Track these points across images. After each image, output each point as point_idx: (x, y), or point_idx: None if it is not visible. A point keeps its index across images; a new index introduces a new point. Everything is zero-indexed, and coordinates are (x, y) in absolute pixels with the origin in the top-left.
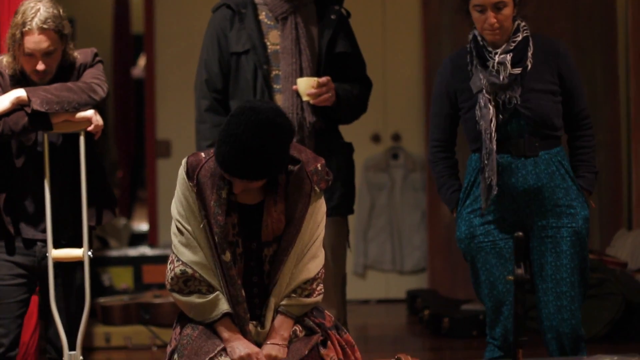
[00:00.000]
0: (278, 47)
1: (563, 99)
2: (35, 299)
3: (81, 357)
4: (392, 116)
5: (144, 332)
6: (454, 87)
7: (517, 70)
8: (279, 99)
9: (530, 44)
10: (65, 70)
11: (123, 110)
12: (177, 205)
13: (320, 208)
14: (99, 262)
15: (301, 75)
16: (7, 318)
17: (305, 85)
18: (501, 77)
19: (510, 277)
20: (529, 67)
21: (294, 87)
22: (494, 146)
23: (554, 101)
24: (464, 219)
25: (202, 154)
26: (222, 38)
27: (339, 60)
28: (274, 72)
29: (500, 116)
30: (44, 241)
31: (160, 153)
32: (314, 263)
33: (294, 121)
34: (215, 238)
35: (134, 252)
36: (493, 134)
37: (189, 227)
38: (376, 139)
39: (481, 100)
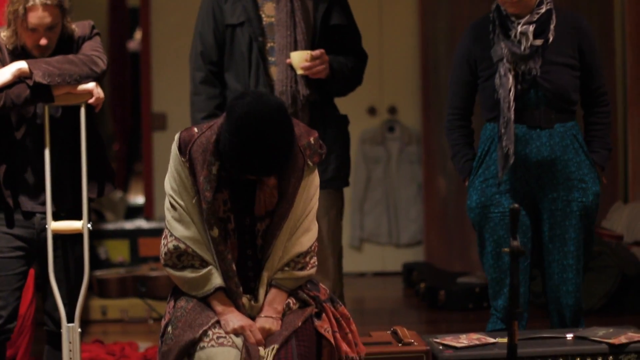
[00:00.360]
0: (273, 19)
1: (581, 74)
2: (31, 272)
3: (79, 329)
4: (388, 89)
5: (140, 305)
6: (474, 55)
7: (539, 42)
8: (274, 72)
9: (554, 17)
10: (64, 43)
11: (119, 84)
12: (170, 180)
13: (313, 181)
14: (95, 235)
15: (296, 48)
16: (6, 290)
17: (299, 58)
18: (522, 48)
19: (506, 249)
20: (551, 39)
21: (288, 60)
22: (512, 115)
23: (572, 75)
24: (475, 189)
25: (195, 129)
26: (217, 10)
27: (334, 32)
28: (268, 45)
29: (519, 86)
30: (43, 213)
31: (156, 126)
32: (307, 236)
33: (288, 94)
34: (203, 214)
35: (130, 225)
36: (511, 103)
37: (181, 203)
38: (372, 111)
39: (501, 69)
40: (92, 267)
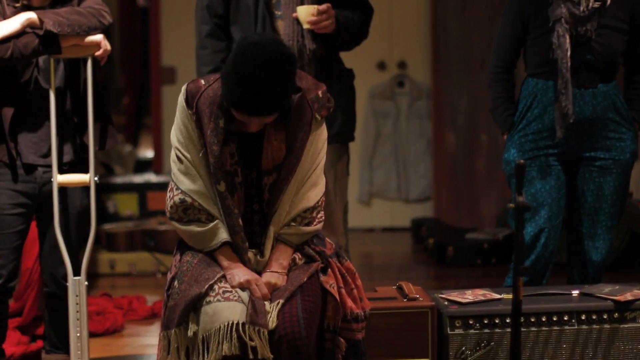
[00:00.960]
0: None
1: (629, 38)
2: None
3: (86, 282)
4: (397, 44)
5: (148, 258)
6: (528, 11)
7: (597, 4)
8: (280, 25)
9: None
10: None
11: (129, 38)
12: (177, 132)
13: (321, 136)
14: (104, 189)
15: (302, 2)
16: (6, 249)
17: (305, 12)
18: (582, 9)
19: (512, 205)
20: (608, 3)
21: (294, 14)
22: (570, 76)
23: (622, 40)
24: (515, 142)
25: (202, 81)
26: None
27: None
28: None
29: (571, 47)
30: (45, 166)
31: (165, 80)
32: (314, 191)
33: (295, 48)
34: (210, 168)
35: (138, 178)
36: (569, 64)
37: (188, 155)
38: (382, 66)
39: (559, 29)
40: (101, 220)
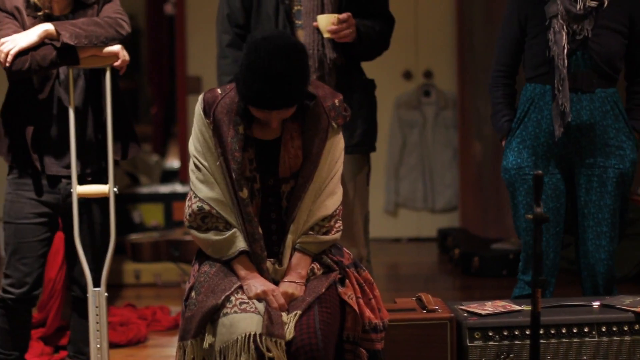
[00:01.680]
0: None
1: (629, 43)
2: (61, 235)
3: (106, 294)
4: (423, 53)
5: (173, 269)
6: (525, 11)
7: (594, 4)
8: (301, 35)
9: None
10: (84, 4)
11: (156, 47)
12: (194, 141)
13: (338, 144)
14: (130, 199)
15: (322, 11)
16: (30, 257)
17: (326, 21)
18: (578, 7)
19: (530, 216)
20: (605, 4)
21: (315, 23)
22: (566, 72)
23: (621, 43)
24: (512, 149)
25: (218, 90)
26: None
27: None
28: (295, 8)
29: (568, 46)
30: (68, 177)
31: (191, 89)
32: (332, 200)
33: (315, 57)
34: (233, 175)
35: (164, 188)
36: (565, 61)
37: (205, 163)
38: (408, 76)
39: (555, 26)
40: (126, 231)
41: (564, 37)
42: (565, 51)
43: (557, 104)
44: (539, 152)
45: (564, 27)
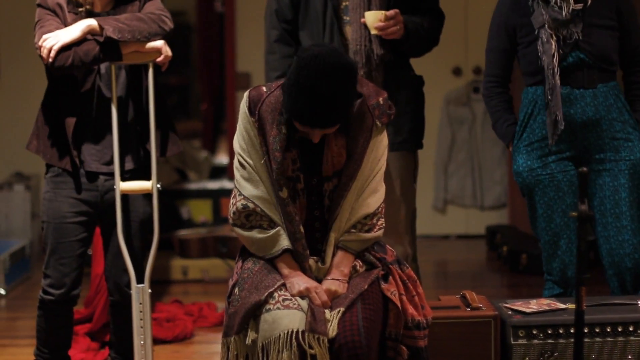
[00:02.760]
0: None
1: (620, 35)
2: None
3: (149, 290)
4: (473, 49)
5: (220, 265)
6: (513, 22)
7: (579, 6)
8: (348, 31)
9: None
10: (125, 1)
11: (206, 43)
12: (239, 139)
13: (381, 142)
14: (178, 195)
15: (369, 7)
16: (68, 257)
17: (373, 18)
18: (564, 13)
19: (574, 213)
20: (589, 2)
21: (362, 19)
22: (558, 81)
23: (612, 36)
24: (521, 152)
25: (264, 88)
26: None
27: None
28: (343, 4)
29: (561, 51)
30: (107, 174)
31: (241, 85)
32: (374, 198)
33: (362, 53)
34: (273, 174)
35: (213, 184)
36: (556, 69)
37: (250, 161)
38: (457, 72)
39: (543, 36)
40: (174, 226)
41: (553, 46)
42: (556, 59)
43: (549, 113)
44: (548, 152)
45: (552, 35)
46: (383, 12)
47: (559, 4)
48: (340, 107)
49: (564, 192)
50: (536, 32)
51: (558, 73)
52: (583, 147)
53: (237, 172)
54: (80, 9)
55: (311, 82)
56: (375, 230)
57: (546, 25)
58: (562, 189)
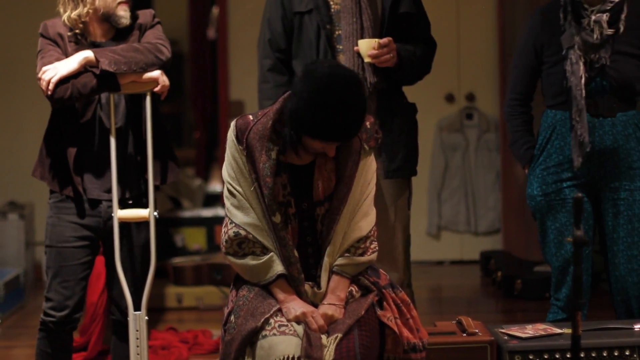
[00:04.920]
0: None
1: None
2: (102, 260)
3: (146, 317)
4: (466, 76)
5: (215, 292)
6: (541, 40)
7: (610, 32)
8: (342, 59)
9: (625, 7)
10: (125, 30)
11: (199, 72)
12: (228, 168)
13: (370, 166)
14: (172, 223)
15: (362, 35)
16: (72, 280)
17: (366, 46)
18: (595, 36)
19: (570, 239)
20: (621, 29)
21: (355, 47)
22: (584, 104)
23: (638, 66)
24: (536, 176)
25: (250, 117)
26: None
27: (403, 20)
28: (337, 32)
29: (586, 75)
30: (109, 201)
31: (234, 113)
32: (366, 221)
33: None
34: (265, 200)
35: (207, 212)
36: (583, 91)
37: (240, 189)
38: (450, 99)
39: (572, 57)
40: (169, 254)
41: (582, 68)
42: (583, 81)
43: (575, 134)
44: (564, 178)
45: (581, 57)
46: (376, 40)
47: (591, 27)
48: (362, 114)
49: None
50: (564, 52)
51: (584, 95)
52: (599, 175)
53: (227, 201)
54: (76, 32)
55: (337, 100)
56: (368, 253)
57: (576, 47)
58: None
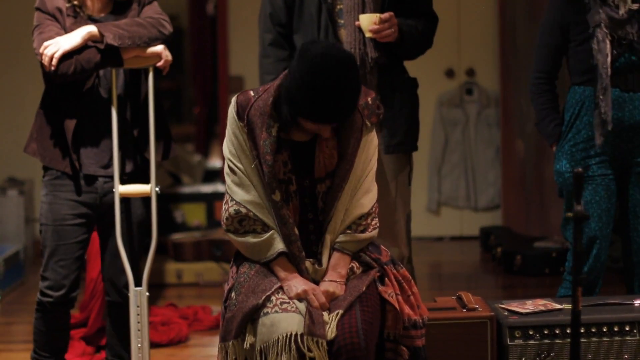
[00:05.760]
0: None
1: None
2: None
3: (147, 293)
4: (466, 51)
5: (215, 268)
6: (568, 19)
7: (636, 6)
8: (343, 34)
9: None
10: (123, 5)
11: (199, 47)
12: (229, 144)
13: (371, 142)
14: (172, 199)
15: (364, 10)
16: (68, 259)
17: (367, 21)
18: (620, 13)
19: (570, 214)
20: None
21: (356, 22)
22: (609, 82)
23: None
24: (565, 153)
25: (251, 92)
26: None
27: None
28: (338, 6)
29: (614, 51)
30: (106, 177)
31: (234, 89)
32: (368, 198)
33: (357, 56)
34: (265, 177)
35: (206, 188)
36: (609, 70)
37: (240, 166)
38: (450, 74)
39: (599, 34)
40: (169, 230)
41: (608, 46)
42: (609, 59)
43: (599, 112)
44: (592, 154)
45: (608, 35)
46: (377, 15)
47: (615, 3)
48: (355, 98)
49: (601, 197)
50: (591, 31)
51: (610, 73)
52: (627, 149)
53: (228, 178)
54: (76, 4)
55: (327, 80)
56: (370, 230)
57: (602, 24)
58: (599, 192)
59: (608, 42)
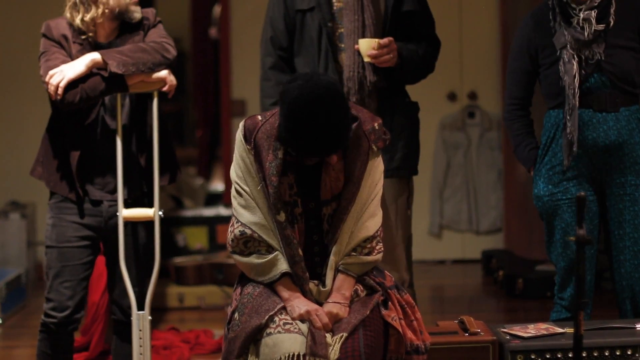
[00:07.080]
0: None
1: None
2: (104, 259)
3: (150, 317)
4: (468, 74)
5: (217, 292)
6: (535, 44)
7: (601, 27)
8: (344, 58)
9: (613, 1)
10: (131, 28)
11: (201, 70)
12: (235, 167)
13: (378, 167)
14: (174, 222)
15: (364, 33)
16: (73, 280)
17: (366, 46)
18: (586, 34)
19: (572, 238)
20: (612, 23)
21: (356, 46)
22: (577, 102)
23: (635, 58)
24: (542, 177)
25: (259, 117)
26: None
27: (406, 18)
28: (338, 30)
29: (583, 71)
30: (111, 201)
31: (236, 112)
32: (373, 221)
33: (355, 79)
34: (270, 199)
35: (208, 212)
36: (576, 90)
37: (246, 189)
38: (452, 97)
39: (565, 56)
40: (171, 254)
41: (575, 67)
42: (577, 80)
43: (565, 134)
44: (569, 176)
45: (574, 56)
46: (376, 40)
47: (581, 25)
48: (339, 131)
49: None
50: (558, 53)
51: (578, 94)
52: (604, 170)
53: (235, 200)
54: (83, 37)
55: (306, 121)
56: (374, 253)
57: (568, 46)
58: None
59: (575, 62)
